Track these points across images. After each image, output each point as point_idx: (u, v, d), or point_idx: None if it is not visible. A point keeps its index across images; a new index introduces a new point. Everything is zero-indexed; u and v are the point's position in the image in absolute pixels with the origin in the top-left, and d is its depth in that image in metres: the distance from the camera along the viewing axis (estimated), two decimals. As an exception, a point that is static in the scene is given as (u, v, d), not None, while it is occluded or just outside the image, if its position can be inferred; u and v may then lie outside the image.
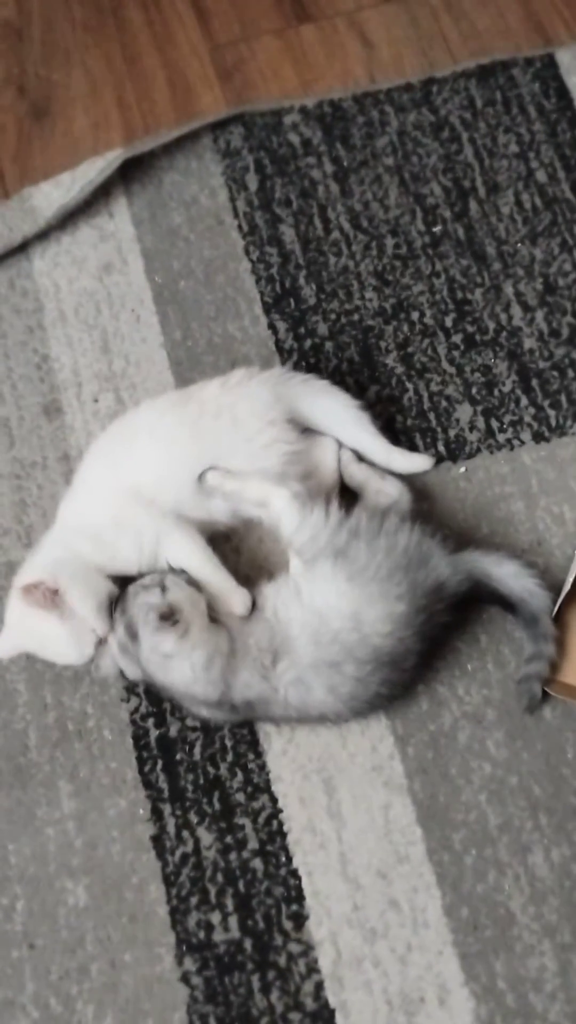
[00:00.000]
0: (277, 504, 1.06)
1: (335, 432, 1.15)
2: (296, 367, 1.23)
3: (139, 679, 1.03)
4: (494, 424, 1.20)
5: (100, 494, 1.08)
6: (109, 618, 1.02)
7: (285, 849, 1.04)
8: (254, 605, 1.05)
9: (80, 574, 1.03)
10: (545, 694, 1.07)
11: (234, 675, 1.00)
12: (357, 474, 1.14)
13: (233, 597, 1.06)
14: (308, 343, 1.24)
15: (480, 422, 1.20)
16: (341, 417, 1.15)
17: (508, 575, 1.06)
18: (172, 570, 1.05)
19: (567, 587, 1.07)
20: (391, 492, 1.12)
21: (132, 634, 1.01)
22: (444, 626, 1.05)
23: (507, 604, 1.07)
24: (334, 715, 1.03)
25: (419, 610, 1.01)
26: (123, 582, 1.05)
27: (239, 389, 1.11)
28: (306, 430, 1.14)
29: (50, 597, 1.00)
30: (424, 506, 1.16)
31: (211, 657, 1.00)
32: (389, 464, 1.15)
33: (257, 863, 1.03)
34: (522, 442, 1.19)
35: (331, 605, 1.01)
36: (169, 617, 0.99)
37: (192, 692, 1.01)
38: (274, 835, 1.04)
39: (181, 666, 1.00)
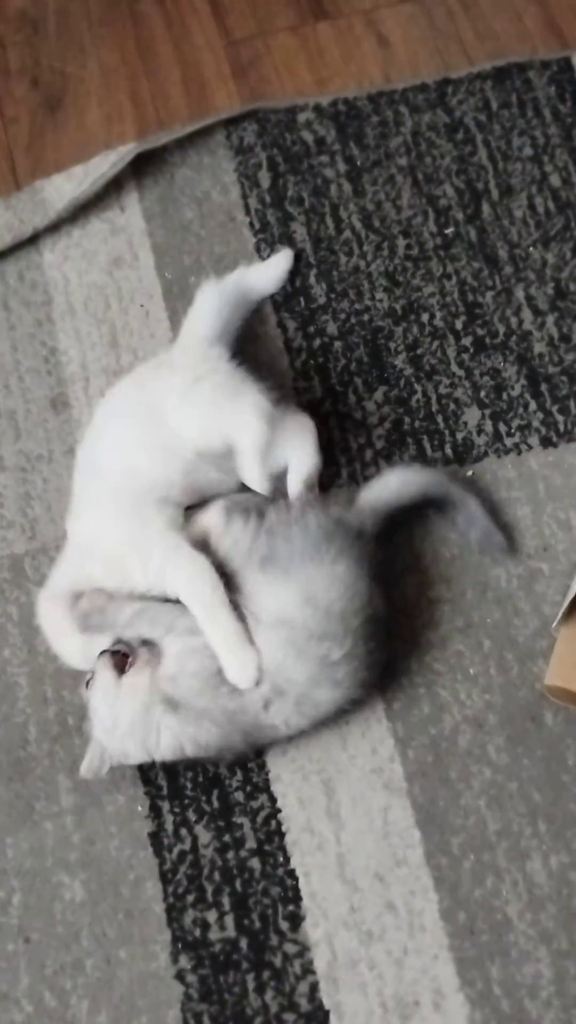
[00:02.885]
0: (212, 518, 1.06)
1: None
2: (304, 366, 1.23)
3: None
4: (502, 428, 1.19)
5: (97, 509, 1.06)
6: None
7: (283, 849, 1.03)
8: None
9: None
10: (546, 700, 1.07)
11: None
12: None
13: (238, 657, 0.98)
14: (317, 342, 1.24)
15: (488, 426, 1.19)
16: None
17: (397, 484, 1.10)
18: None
19: (571, 593, 1.07)
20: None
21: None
22: (386, 559, 1.08)
23: (435, 503, 1.12)
24: (349, 703, 1.03)
25: (357, 560, 1.02)
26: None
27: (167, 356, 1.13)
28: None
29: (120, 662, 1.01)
30: (429, 509, 1.15)
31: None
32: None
33: (255, 863, 1.03)
34: (530, 447, 1.18)
35: (283, 605, 1.00)
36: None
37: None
38: (272, 835, 1.04)
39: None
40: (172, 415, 1.06)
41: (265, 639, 1.00)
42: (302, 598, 1.00)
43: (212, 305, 1.17)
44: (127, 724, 0.99)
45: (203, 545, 1.04)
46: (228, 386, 1.08)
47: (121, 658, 1.01)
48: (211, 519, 1.05)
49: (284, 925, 1.01)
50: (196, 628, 1.01)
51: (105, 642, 1.02)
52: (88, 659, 1.03)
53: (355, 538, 1.04)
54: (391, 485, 1.11)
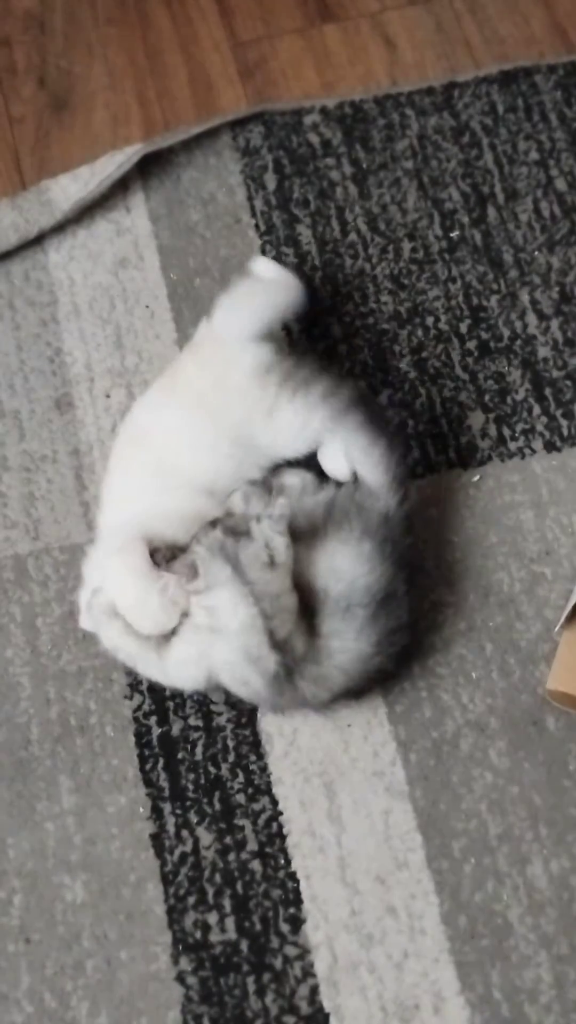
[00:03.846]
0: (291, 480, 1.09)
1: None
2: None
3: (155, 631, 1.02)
4: (506, 432, 1.19)
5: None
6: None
7: (284, 852, 1.04)
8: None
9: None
10: (548, 704, 1.07)
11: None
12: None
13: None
14: (321, 345, 1.24)
15: (492, 430, 1.19)
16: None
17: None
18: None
19: (574, 597, 1.07)
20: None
21: (238, 536, 1.01)
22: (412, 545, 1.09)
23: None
24: (366, 676, 1.04)
25: (382, 541, 1.04)
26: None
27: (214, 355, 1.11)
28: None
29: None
30: (432, 512, 1.15)
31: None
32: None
33: (256, 865, 1.03)
34: (533, 451, 1.18)
35: (308, 570, 1.02)
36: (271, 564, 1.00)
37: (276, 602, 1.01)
38: (273, 837, 1.04)
39: (280, 575, 1.01)
40: (261, 434, 1.08)
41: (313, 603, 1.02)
42: (326, 567, 1.02)
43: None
44: (151, 606, 1.01)
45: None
46: (305, 392, 1.09)
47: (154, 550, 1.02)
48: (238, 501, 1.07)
49: (285, 928, 1.01)
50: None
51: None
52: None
53: (381, 521, 1.05)
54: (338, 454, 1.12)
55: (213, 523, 1.03)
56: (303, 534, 1.04)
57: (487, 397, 1.21)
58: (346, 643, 1.01)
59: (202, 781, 1.06)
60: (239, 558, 1.00)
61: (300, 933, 1.01)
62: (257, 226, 1.29)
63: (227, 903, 1.02)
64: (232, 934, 1.01)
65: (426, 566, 1.12)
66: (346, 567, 1.02)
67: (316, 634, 1.02)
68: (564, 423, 1.19)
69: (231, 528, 1.02)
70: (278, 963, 1.00)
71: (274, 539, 1.01)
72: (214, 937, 1.01)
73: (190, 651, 1.00)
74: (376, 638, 1.02)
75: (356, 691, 1.04)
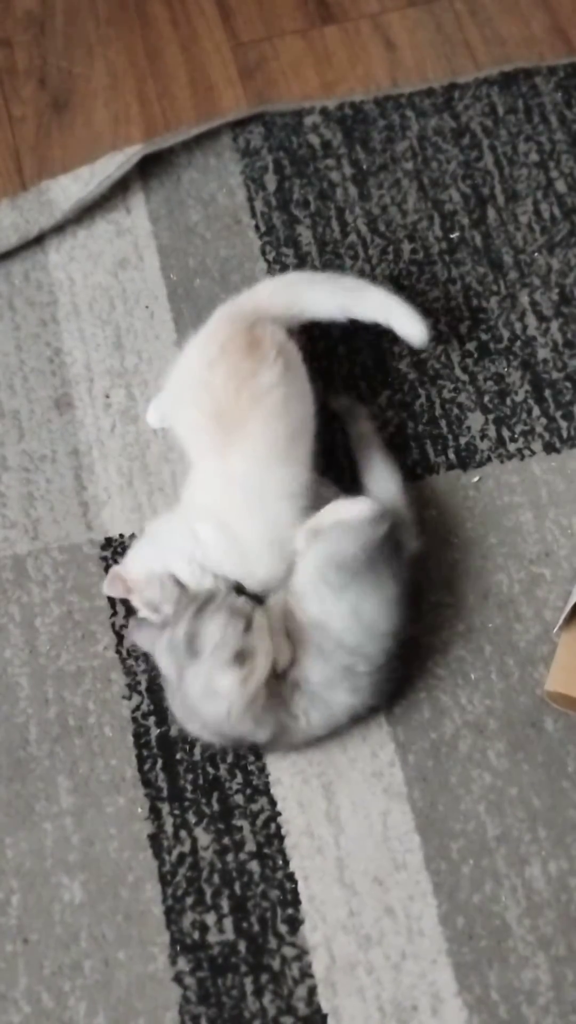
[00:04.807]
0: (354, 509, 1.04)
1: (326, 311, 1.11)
2: (309, 370, 1.22)
3: (165, 675, 1.02)
4: (505, 433, 1.19)
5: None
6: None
7: (282, 852, 1.03)
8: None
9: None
10: (546, 706, 1.07)
11: (262, 716, 1.00)
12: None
13: (353, 504, 1.05)
14: (322, 346, 1.24)
15: (491, 431, 1.19)
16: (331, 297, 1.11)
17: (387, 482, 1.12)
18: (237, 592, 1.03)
19: (573, 599, 1.07)
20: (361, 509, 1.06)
21: (192, 650, 0.99)
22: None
23: None
24: (365, 710, 1.03)
25: (404, 583, 1.03)
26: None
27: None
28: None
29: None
30: (432, 513, 1.15)
31: (252, 703, 0.99)
32: (389, 319, 1.11)
33: (254, 865, 1.03)
34: (533, 452, 1.18)
35: (327, 612, 1.01)
36: (242, 661, 0.98)
37: (218, 726, 1.00)
38: (272, 838, 1.04)
39: (219, 706, 0.98)
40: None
41: (299, 635, 1.01)
42: (349, 611, 1.00)
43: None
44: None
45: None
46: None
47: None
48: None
49: (283, 928, 1.01)
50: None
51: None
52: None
53: (403, 560, 1.04)
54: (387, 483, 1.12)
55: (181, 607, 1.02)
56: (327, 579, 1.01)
57: (487, 398, 1.21)
58: (337, 695, 1.01)
59: (200, 781, 1.06)
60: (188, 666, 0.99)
61: (298, 934, 1.01)
62: (257, 227, 1.29)
63: (225, 904, 1.02)
64: (230, 935, 1.01)
65: (425, 567, 1.12)
66: (368, 610, 1.01)
67: (302, 678, 1.00)
68: (563, 424, 1.19)
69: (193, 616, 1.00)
70: (276, 964, 1.00)
71: (216, 678, 0.98)
72: (212, 938, 1.01)
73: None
74: (376, 694, 1.02)
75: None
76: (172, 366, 1.11)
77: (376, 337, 1.24)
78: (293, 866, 1.03)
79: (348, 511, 1.04)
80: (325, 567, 1.01)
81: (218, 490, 1.04)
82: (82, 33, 1.42)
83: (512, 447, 1.19)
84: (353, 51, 1.40)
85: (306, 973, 1.00)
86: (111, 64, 1.40)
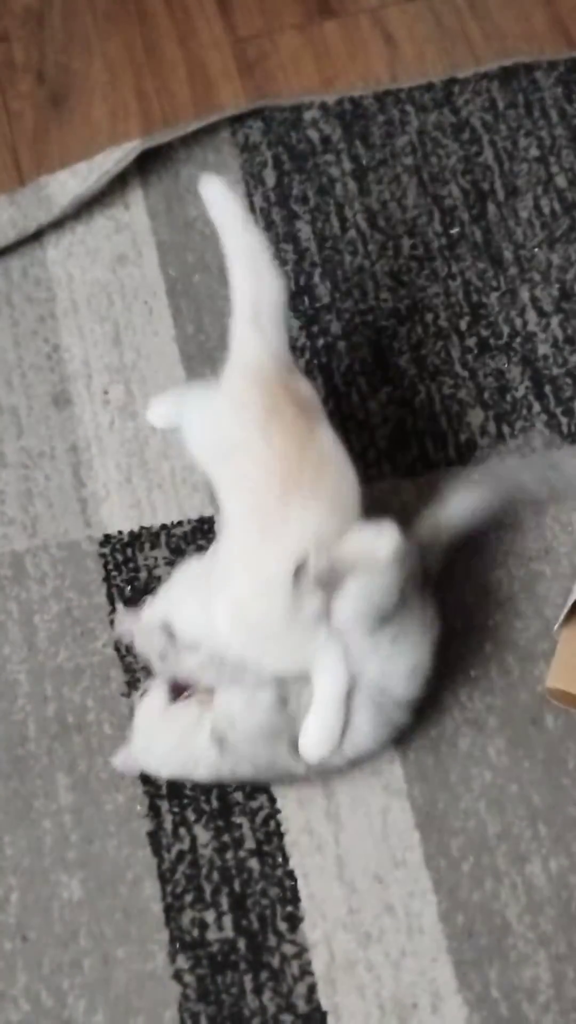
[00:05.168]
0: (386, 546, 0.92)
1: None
2: (308, 366, 1.22)
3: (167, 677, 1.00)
4: (505, 430, 1.19)
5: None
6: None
7: (282, 850, 1.03)
8: None
9: None
10: (547, 703, 1.07)
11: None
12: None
13: (326, 737, 0.94)
14: (321, 342, 1.23)
15: (491, 427, 1.19)
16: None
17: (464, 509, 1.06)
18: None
19: (573, 596, 1.07)
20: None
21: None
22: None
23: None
24: (381, 747, 1.02)
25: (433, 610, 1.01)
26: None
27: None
28: None
29: None
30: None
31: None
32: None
33: (253, 863, 1.03)
34: (533, 449, 1.18)
35: (384, 671, 0.97)
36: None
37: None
38: (271, 835, 1.04)
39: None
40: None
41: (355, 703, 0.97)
42: (409, 667, 0.97)
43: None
44: (164, 747, 0.99)
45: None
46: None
47: (178, 686, 1.00)
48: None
49: (282, 926, 1.01)
50: (263, 682, 0.95)
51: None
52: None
53: (428, 583, 1.00)
54: (459, 511, 1.05)
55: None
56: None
57: (487, 394, 1.20)
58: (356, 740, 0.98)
59: (200, 779, 1.06)
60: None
61: (298, 931, 1.01)
62: (256, 222, 1.29)
63: (224, 901, 1.02)
64: (229, 932, 1.01)
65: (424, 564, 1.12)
66: (424, 662, 0.97)
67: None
68: (564, 420, 1.19)
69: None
70: (275, 961, 1.00)
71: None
72: (211, 935, 1.01)
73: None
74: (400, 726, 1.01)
75: None
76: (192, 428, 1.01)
77: (376, 333, 1.24)
78: (293, 863, 1.03)
79: (375, 545, 0.91)
80: (357, 620, 0.94)
81: (251, 574, 0.93)
82: (80, 28, 1.42)
83: (512, 443, 1.18)
84: (352, 46, 1.39)
85: (306, 970, 1.00)
86: (109, 59, 1.40)
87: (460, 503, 1.08)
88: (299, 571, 0.89)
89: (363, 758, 1.01)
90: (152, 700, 0.99)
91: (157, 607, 1.00)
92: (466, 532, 1.09)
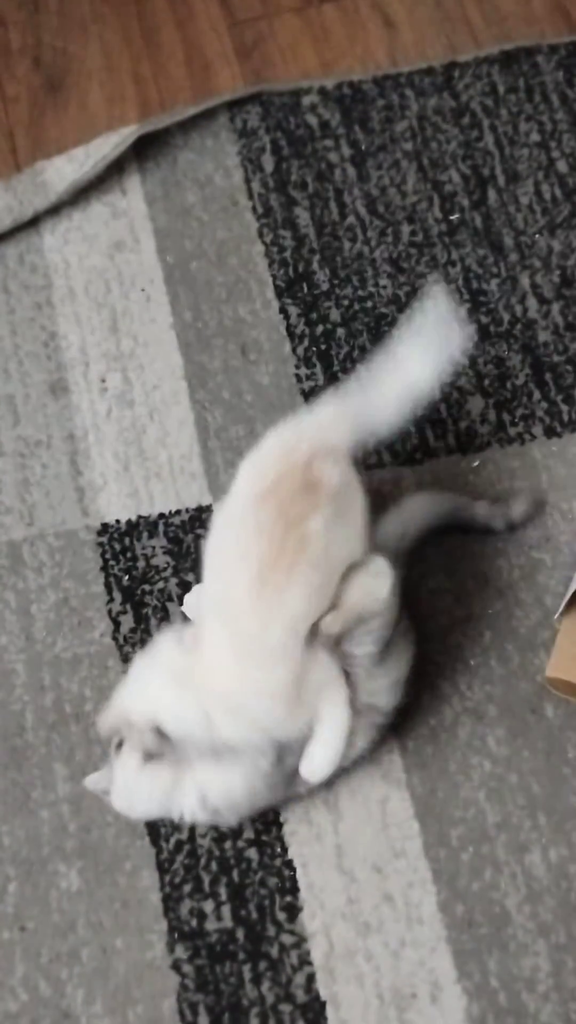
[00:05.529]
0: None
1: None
2: (307, 353, 1.21)
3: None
4: (506, 417, 1.18)
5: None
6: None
7: (280, 840, 1.03)
8: None
9: None
10: (547, 692, 1.06)
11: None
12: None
13: (327, 761, 0.93)
14: (320, 329, 1.22)
15: (491, 415, 1.18)
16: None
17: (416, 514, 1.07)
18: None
19: (574, 584, 1.06)
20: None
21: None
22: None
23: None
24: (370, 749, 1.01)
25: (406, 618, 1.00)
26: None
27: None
28: None
29: None
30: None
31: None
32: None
33: (252, 853, 1.03)
34: (533, 437, 1.17)
35: (376, 690, 0.97)
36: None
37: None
38: (270, 825, 1.03)
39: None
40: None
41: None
42: (393, 681, 0.97)
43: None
44: (146, 806, 0.96)
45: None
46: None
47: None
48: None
49: (281, 916, 1.01)
50: (262, 750, 0.93)
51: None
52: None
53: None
54: (411, 517, 1.07)
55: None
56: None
57: (487, 382, 1.20)
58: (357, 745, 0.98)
59: (198, 769, 1.05)
60: None
61: (296, 921, 1.01)
62: (254, 208, 1.28)
63: (223, 891, 1.02)
64: (228, 922, 1.01)
65: (425, 553, 1.11)
66: (403, 673, 0.98)
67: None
68: (564, 408, 1.18)
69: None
70: (274, 951, 1.00)
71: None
72: (210, 925, 1.01)
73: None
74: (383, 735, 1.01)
75: None
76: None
77: (375, 320, 1.23)
78: (291, 853, 1.03)
79: (373, 588, 0.92)
80: (369, 659, 0.95)
81: (236, 657, 0.90)
82: (77, 12, 1.41)
83: (512, 431, 1.17)
84: (351, 29, 1.38)
85: (305, 960, 1.00)
86: (106, 43, 1.38)
87: (418, 510, 1.09)
88: (311, 640, 0.90)
89: (352, 762, 1.01)
90: (128, 757, 0.94)
91: (139, 709, 0.92)
92: (422, 538, 1.09)
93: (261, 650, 0.89)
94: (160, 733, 0.90)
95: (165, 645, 0.94)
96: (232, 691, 0.90)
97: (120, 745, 0.94)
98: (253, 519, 0.90)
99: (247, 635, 0.89)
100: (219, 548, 0.94)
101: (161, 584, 1.12)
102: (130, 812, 0.97)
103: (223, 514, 0.95)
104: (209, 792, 0.94)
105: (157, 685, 0.92)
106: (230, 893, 1.02)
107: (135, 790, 0.94)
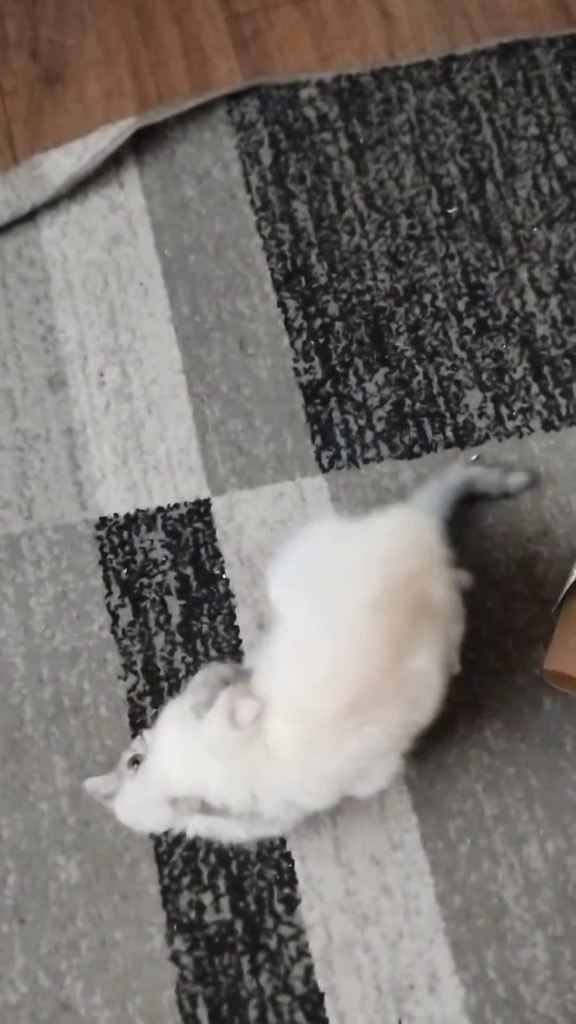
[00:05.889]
0: None
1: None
2: (305, 347, 1.21)
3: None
4: (504, 411, 1.18)
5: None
6: None
7: (279, 832, 1.03)
8: None
9: None
10: (544, 685, 1.06)
11: None
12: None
13: None
14: (318, 322, 1.22)
15: (490, 408, 1.18)
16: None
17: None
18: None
19: (571, 578, 1.06)
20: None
21: None
22: None
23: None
24: None
25: None
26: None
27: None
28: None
29: None
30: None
31: None
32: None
33: (250, 845, 1.03)
34: (531, 430, 1.17)
35: None
36: None
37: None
38: (268, 818, 1.04)
39: None
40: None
41: None
42: None
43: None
44: (153, 827, 0.97)
45: None
46: None
47: None
48: None
49: (279, 908, 1.01)
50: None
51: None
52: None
53: None
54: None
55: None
56: None
57: (485, 375, 1.20)
58: None
59: (197, 762, 1.05)
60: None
61: (295, 913, 1.01)
62: (252, 202, 1.28)
63: (222, 883, 1.02)
64: (227, 914, 1.01)
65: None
66: None
67: None
68: (562, 402, 1.18)
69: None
70: (273, 943, 1.00)
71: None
72: (209, 917, 1.01)
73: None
74: None
75: None
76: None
77: (373, 313, 1.23)
78: (290, 845, 1.03)
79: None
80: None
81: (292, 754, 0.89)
82: (74, 5, 1.40)
83: (510, 425, 1.17)
84: (350, 22, 1.37)
85: (303, 952, 1.00)
86: (103, 36, 1.38)
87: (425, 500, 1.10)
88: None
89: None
90: (149, 788, 0.94)
91: (187, 784, 0.92)
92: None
93: (337, 759, 0.89)
94: (205, 805, 0.91)
95: (217, 718, 0.91)
96: (290, 785, 0.90)
97: (135, 762, 0.95)
98: (357, 638, 0.87)
99: (326, 747, 0.88)
100: (305, 645, 0.90)
101: (159, 578, 1.12)
102: (134, 827, 0.97)
103: (312, 596, 0.90)
104: (220, 828, 0.95)
105: (209, 766, 0.91)
106: (229, 885, 1.02)
107: (148, 814, 0.95)
